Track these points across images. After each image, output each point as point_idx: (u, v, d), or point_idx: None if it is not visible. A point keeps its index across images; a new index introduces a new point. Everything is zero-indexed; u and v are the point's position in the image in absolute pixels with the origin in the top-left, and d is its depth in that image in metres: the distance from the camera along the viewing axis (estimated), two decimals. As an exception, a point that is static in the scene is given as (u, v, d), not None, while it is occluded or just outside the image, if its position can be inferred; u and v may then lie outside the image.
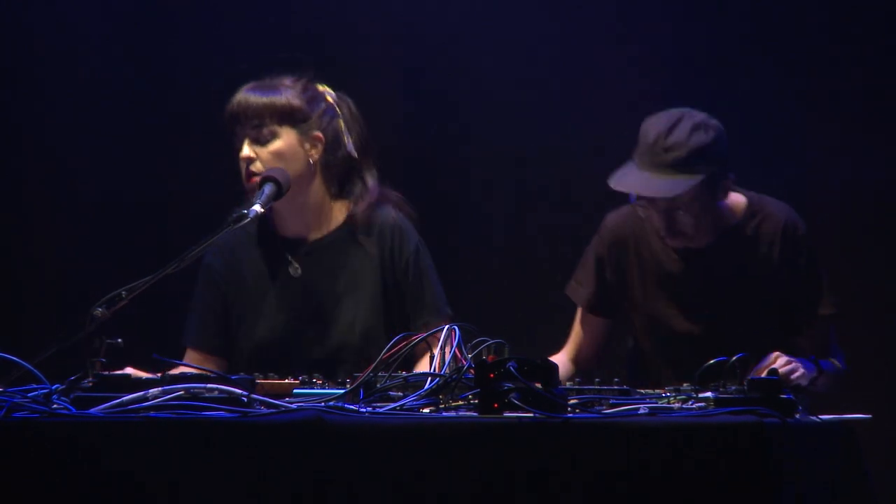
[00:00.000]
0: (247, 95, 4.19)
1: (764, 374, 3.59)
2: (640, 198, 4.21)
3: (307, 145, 4.21)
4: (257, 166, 4.18)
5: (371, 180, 4.30)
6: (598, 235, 4.41)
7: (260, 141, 4.18)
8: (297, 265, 4.25)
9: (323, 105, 4.25)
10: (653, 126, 4.17)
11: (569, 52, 5.42)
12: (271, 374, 3.29)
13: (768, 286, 4.27)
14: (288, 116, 4.19)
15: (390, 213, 4.30)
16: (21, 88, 5.40)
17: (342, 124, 4.27)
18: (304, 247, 4.26)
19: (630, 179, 4.16)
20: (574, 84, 5.40)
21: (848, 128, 5.33)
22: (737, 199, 4.31)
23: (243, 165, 4.19)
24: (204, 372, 3.02)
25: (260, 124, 4.17)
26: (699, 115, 4.17)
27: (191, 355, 4.29)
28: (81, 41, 5.41)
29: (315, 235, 4.27)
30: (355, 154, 4.27)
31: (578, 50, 5.42)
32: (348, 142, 4.26)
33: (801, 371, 3.95)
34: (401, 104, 5.44)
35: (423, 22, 5.47)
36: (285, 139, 4.19)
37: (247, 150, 4.17)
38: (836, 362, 4.28)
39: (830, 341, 4.30)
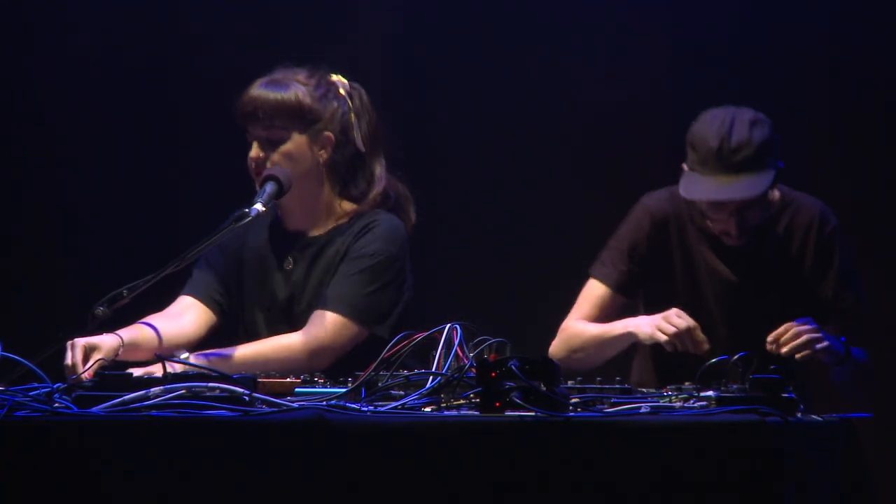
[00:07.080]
0: (258, 93, 4.11)
1: (776, 349, 3.61)
2: (707, 205, 4.10)
3: (316, 147, 4.14)
4: (266, 167, 4.14)
5: (379, 170, 4.24)
6: (635, 217, 4.29)
7: (270, 141, 4.13)
8: (290, 259, 4.23)
9: (335, 103, 4.17)
10: (709, 130, 4.07)
11: (568, 47, 5.42)
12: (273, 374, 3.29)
13: (801, 282, 4.22)
14: (298, 118, 4.12)
15: (384, 216, 4.20)
16: (21, 87, 5.40)
17: (353, 118, 4.21)
18: (301, 241, 4.23)
19: (704, 187, 4.05)
20: (574, 80, 5.40)
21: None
22: (771, 192, 4.23)
23: (252, 164, 4.15)
24: (204, 369, 3.02)
25: (270, 125, 4.12)
26: (748, 112, 4.10)
27: (184, 300, 4.19)
28: (82, 39, 5.41)
29: (315, 232, 4.23)
30: (363, 148, 4.20)
31: (578, 45, 5.42)
32: (357, 136, 4.20)
33: (826, 343, 3.91)
34: (399, 100, 5.43)
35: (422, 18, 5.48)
36: (295, 141, 4.13)
37: (255, 151, 4.13)
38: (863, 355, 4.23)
39: (860, 333, 4.25)
